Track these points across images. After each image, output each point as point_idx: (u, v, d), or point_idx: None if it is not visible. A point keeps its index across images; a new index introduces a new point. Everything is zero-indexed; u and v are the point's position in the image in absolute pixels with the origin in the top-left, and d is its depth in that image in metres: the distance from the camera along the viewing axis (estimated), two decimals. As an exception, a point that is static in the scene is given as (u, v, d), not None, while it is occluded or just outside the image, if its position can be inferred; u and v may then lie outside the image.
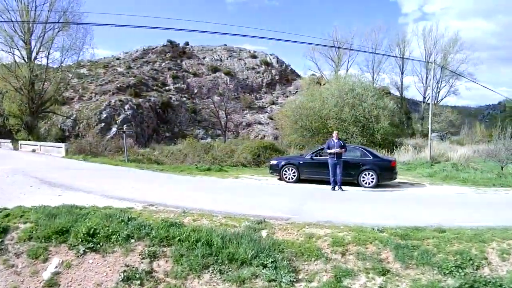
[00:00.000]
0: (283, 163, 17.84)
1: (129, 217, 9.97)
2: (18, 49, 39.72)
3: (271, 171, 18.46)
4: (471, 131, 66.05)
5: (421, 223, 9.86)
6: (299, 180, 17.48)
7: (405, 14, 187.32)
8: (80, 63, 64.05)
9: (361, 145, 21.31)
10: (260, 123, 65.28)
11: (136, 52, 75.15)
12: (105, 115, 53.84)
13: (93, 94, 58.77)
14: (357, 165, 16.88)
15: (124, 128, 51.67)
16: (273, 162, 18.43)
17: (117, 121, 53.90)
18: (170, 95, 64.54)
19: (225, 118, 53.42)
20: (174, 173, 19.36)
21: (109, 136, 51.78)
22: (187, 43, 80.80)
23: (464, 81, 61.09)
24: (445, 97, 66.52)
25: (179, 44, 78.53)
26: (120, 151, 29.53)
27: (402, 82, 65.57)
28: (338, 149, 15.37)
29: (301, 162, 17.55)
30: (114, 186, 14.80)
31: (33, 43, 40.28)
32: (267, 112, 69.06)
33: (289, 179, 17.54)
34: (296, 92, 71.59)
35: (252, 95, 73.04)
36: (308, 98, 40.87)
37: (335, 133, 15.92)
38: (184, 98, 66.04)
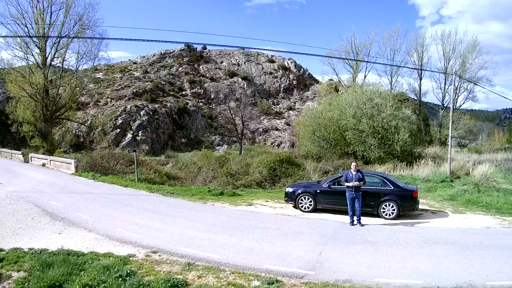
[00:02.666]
0: (299, 191, 16.77)
1: (128, 271, 9.08)
2: (33, 55, 39.67)
3: (286, 198, 17.40)
4: (490, 138, 64.45)
5: (450, 280, 8.90)
6: (315, 209, 16.45)
7: (422, 17, 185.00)
8: (97, 68, 63.97)
9: (381, 173, 19.83)
10: (277, 129, 64.30)
11: (153, 56, 74.80)
12: (120, 121, 53.47)
13: (109, 100, 58.50)
14: (376, 195, 15.73)
15: (138, 139, 51.40)
16: (289, 189, 17.31)
17: (133, 127, 53.49)
18: (187, 100, 63.88)
19: (241, 125, 52.37)
20: (184, 199, 18.46)
21: (124, 142, 51.56)
22: (204, 47, 80.00)
23: (483, 86, 59.37)
24: (463, 103, 64.68)
25: (196, 48, 77.98)
26: (132, 165, 28.79)
27: (420, 88, 64.17)
28: (357, 182, 14.22)
29: (318, 190, 16.46)
30: (118, 220, 14.04)
31: (48, 49, 40.17)
32: (284, 118, 68.02)
33: (305, 208, 16.51)
34: (314, 97, 70.42)
35: (269, 101, 72.01)
36: (326, 107, 39.75)
37: (353, 165, 14.74)
38: (201, 104, 65.40)
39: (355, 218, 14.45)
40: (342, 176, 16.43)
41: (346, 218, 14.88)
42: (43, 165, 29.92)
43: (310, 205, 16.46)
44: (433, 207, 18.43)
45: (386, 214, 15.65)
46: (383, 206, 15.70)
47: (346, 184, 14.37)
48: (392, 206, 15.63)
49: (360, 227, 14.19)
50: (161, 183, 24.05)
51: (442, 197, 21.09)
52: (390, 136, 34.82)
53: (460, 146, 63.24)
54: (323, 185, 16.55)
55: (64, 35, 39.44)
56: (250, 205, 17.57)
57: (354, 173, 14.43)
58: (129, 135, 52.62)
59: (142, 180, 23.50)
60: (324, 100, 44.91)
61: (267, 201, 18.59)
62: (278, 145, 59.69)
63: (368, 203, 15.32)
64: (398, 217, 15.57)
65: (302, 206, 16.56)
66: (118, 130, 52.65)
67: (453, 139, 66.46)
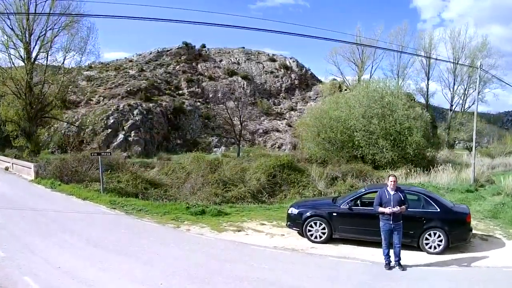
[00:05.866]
0: (308, 214, 11.46)
1: None
2: (16, 49, 35.57)
3: (289, 223, 12.07)
4: (501, 141, 60.93)
5: None
6: (330, 238, 11.28)
7: (423, 20, 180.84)
8: (91, 66, 59.53)
9: (421, 188, 13.94)
10: (277, 131, 59.20)
11: (150, 54, 69.58)
12: (112, 121, 48.38)
13: (101, 98, 53.45)
14: (418, 220, 10.59)
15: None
16: (293, 211, 11.88)
17: (125, 127, 48.44)
18: (183, 100, 58.76)
19: (239, 126, 47.42)
20: (152, 219, 13.27)
21: (115, 143, 46.74)
22: (203, 46, 74.97)
23: (493, 88, 55.53)
24: (472, 104, 60.86)
25: (195, 46, 72.77)
26: (111, 169, 23.83)
27: (428, 89, 60.12)
28: (397, 207, 9.07)
29: (334, 213, 11.20)
30: (37, 259, 9.12)
31: (32, 43, 35.95)
32: (285, 118, 62.96)
33: (316, 237, 11.27)
34: (316, 97, 65.76)
35: (270, 101, 66.87)
36: (332, 106, 34.71)
37: (391, 180, 9.44)
38: (198, 103, 60.26)
39: (392, 257, 9.35)
40: (366, 192, 11.43)
41: (376, 253, 10.02)
42: (6, 169, 25.17)
43: (323, 233, 11.20)
44: (478, 229, 13.42)
45: (430, 247, 10.63)
46: (426, 236, 10.63)
47: (381, 209, 9.19)
48: (439, 236, 10.58)
49: (401, 271, 9.14)
50: (135, 194, 18.93)
51: (481, 214, 16.22)
52: (403, 138, 30.12)
53: (468, 149, 59.12)
54: (341, 206, 11.23)
55: (49, 27, 35.53)
56: (239, 230, 12.27)
57: (392, 193, 9.25)
58: (121, 136, 47.59)
59: (109, 191, 18.29)
60: (330, 98, 39.97)
61: (263, 223, 13.25)
62: (279, 147, 54.65)
63: (405, 231, 10.00)
64: (445, 250, 10.57)
65: (311, 235, 11.29)
66: (109, 130, 47.56)
67: (462, 142, 62.46)
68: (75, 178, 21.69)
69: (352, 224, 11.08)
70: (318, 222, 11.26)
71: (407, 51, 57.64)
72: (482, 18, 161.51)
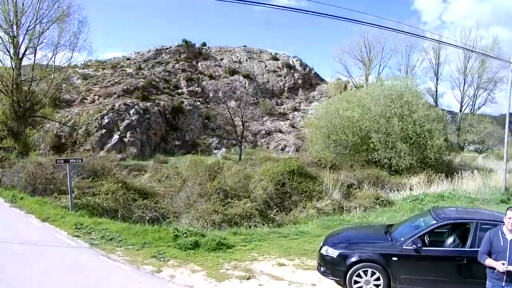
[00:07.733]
0: (353, 259, 7.33)
1: None
2: (3, 44, 31.92)
3: (323, 269, 7.83)
4: None
5: None
6: (386, 292, 7.22)
7: (424, 22, 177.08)
8: (88, 64, 55.99)
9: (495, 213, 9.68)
10: (281, 131, 55.19)
11: (149, 52, 65.68)
12: (107, 121, 44.46)
13: (96, 97, 49.54)
14: None
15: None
16: (330, 252, 7.71)
17: (120, 128, 44.52)
18: (183, 99, 54.84)
19: (241, 127, 43.55)
20: (125, 256, 9.17)
21: (109, 144, 42.90)
22: (204, 44, 71.15)
23: (504, 89, 52.75)
24: (482, 105, 57.95)
25: (195, 44, 68.84)
26: (94, 176, 19.95)
27: (437, 89, 56.85)
28: None
29: (393, 258, 7.16)
30: None
31: (20, 38, 32.40)
32: (288, 119, 58.99)
33: (365, 292, 7.25)
34: (321, 97, 61.94)
35: (273, 101, 62.93)
36: (343, 105, 30.87)
37: (509, 217, 5.32)
38: (198, 103, 56.31)
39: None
40: (440, 225, 7.41)
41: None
42: (-30, 177, 21.26)
43: (377, 286, 7.14)
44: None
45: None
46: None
47: (490, 263, 5.23)
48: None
49: None
50: (115, 210, 14.89)
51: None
52: (423, 142, 26.69)
53: (478, 151, 55.62)
54: (404, 246, 7.19)
55: (38, 21, 31.89)
56: (249, 277, 8.06)
57: (510, 237, 5.26)
58: (116, 136, 43.70)
59: (81, 207, 14.23)
60: (341, 96, 36.26)
61: (282, 263, 8.95)
62: (282, 149, 50.70)
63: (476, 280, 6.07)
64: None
65: (360, 289, 7.26)
66: (104, 130, 43.67)
67: (471, 144, 58.84)
68: (50, 187, 18.09)
69: (422, 273, 7.05)
70: (370, 270, 7.19)
71: (415, 51, 54.72)
72: (484, 19, 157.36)
